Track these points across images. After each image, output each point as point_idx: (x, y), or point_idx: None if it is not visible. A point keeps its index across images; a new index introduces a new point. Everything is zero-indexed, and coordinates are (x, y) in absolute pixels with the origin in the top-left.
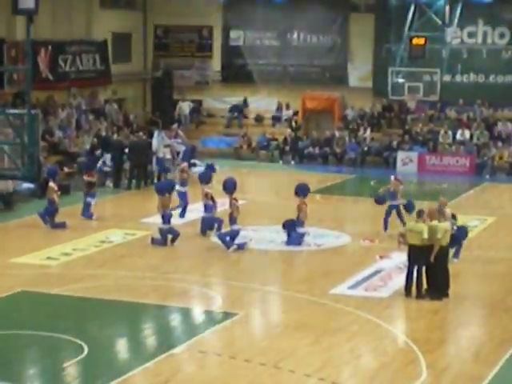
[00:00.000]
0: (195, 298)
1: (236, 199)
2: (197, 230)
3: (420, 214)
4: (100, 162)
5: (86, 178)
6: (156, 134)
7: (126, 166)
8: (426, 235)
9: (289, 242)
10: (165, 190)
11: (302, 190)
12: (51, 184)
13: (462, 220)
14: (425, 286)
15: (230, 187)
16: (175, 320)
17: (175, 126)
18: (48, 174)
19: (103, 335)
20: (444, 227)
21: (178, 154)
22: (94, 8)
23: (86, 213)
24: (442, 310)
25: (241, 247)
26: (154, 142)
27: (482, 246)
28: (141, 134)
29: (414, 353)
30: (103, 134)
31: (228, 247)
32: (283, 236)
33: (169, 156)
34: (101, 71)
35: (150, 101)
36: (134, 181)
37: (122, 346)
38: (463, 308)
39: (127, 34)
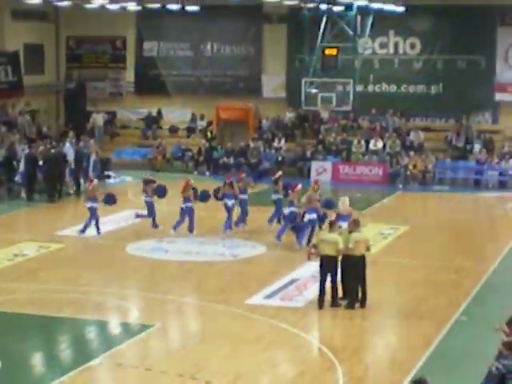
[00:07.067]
0: (111, 310)
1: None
2: (112, 241)
3: (331, 223)
4: (18, 174)
5: None
6: (68, 144)
7: (40, 178)
8: (341, 245)
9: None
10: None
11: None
12: None
13: (376, 228)
14: (340, 294)
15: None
16: (91, 333)
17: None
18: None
19: (17, 350)
20: (355, 237)
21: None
22: (6, 19)
23: None
24: (357, 317)
25: None
26: (69, 152)
27: (395, 254)
28: (54, 145)
29: (331, 361)
30: (17, 146)
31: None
32: (198, 247)
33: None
34: (13, 83)
35: (64, 112)
36: (47, 193)
37: (36, 361)
38: (378, 315)
39: (39, 45)
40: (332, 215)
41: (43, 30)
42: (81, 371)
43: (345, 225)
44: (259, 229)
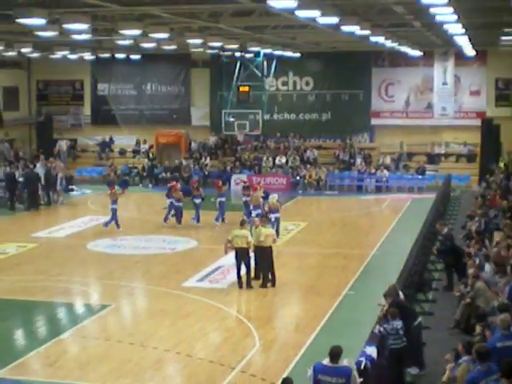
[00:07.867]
0: (76, 294)
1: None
2: (76, 241)
3: (242, 222)
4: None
5: None
6: (39, 165)
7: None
8: (250, 238)
9: None
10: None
11: None
12: None
13: (282, 225)
14: (252, 276)
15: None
16: (61, 313)
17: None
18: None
19: (2, 326)
20: (265, 232)
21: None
22: None
23: None
24: (269, 294)
25: None
26: (40, 171)
27: (297, 244)
28: (28, 166)
29: (249, 328)
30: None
31: None
32: (145, 243)
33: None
34: None
35: (36, 140)
36: (26, 204)
37: (17, 335)
38: (285, 292)
39: (15, 87)
40: (264, 209)
41: (18, 76)
42: (53, 343)
43: (274, 216)
44: (191, 228)
